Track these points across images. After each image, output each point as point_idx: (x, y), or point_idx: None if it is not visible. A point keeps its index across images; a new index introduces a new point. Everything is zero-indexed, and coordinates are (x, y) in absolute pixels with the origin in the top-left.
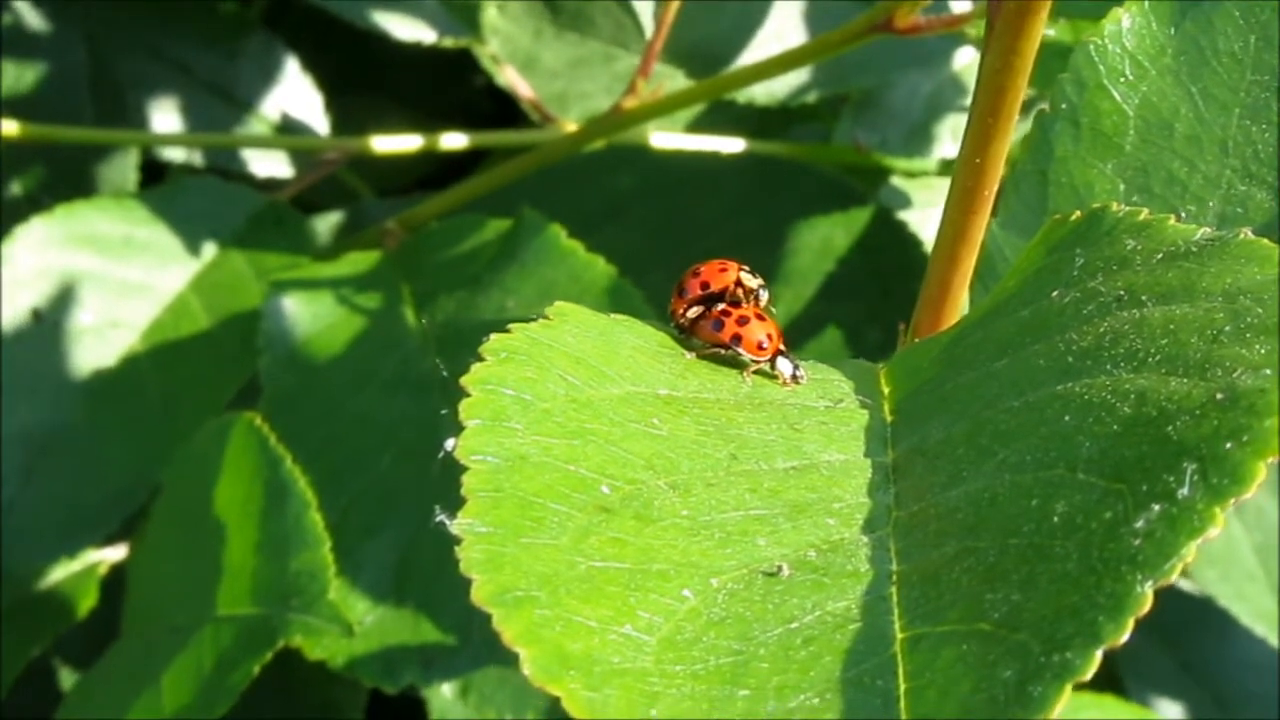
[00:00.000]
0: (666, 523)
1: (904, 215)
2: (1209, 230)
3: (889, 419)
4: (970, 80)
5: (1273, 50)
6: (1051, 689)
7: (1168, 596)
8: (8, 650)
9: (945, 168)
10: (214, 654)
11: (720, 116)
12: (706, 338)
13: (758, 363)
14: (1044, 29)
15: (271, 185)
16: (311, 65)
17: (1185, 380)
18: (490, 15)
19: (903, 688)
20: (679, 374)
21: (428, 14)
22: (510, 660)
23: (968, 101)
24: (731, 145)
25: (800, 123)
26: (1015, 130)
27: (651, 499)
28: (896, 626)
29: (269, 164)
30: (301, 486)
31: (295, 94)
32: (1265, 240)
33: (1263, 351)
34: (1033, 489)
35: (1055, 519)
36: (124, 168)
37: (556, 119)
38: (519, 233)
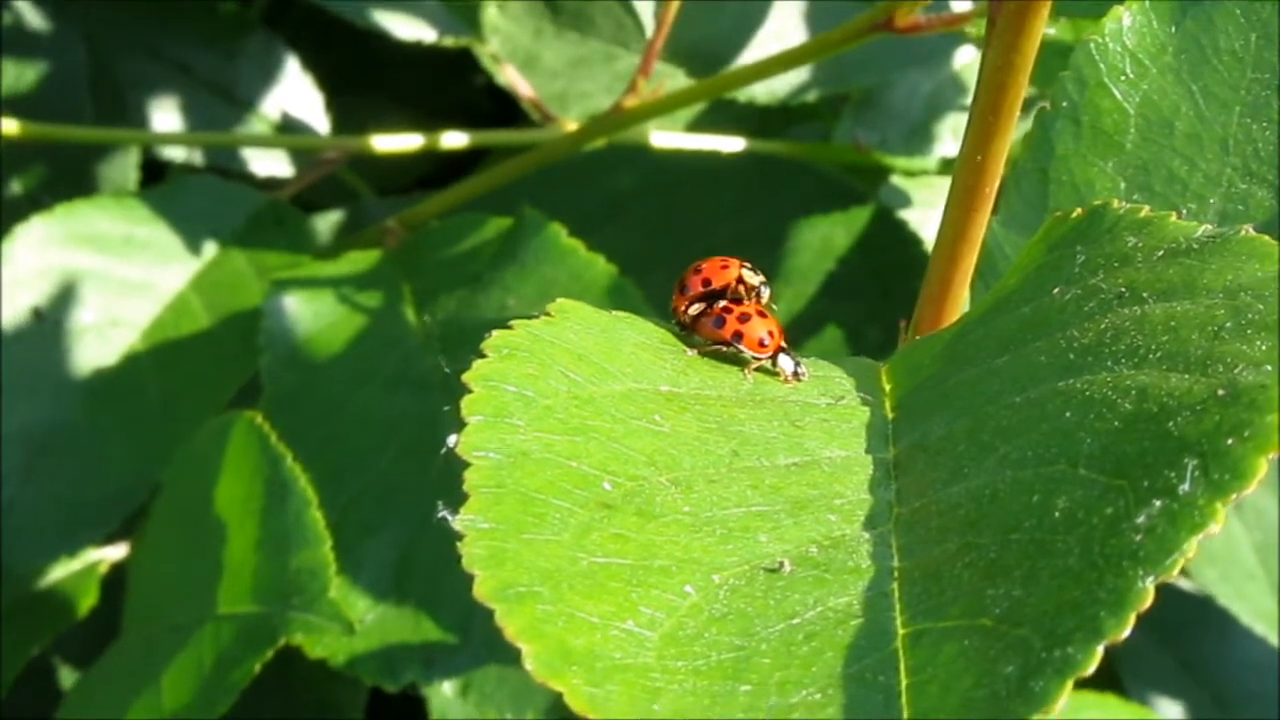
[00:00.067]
0: (668, 519)
1: (904, 214)
2: (1210, 227)
3: (890, 416)
4: (970, 79)
5: (1273, 48)
6: (1053, 684)
7: (1167, 596)
8: (8, 649)
9: (945, 167)
10: (214, 652)
11: (720, 116)
12: (708, 335)
13: (759, 360)
14: (1045, 27)
15: (272, 184)
16: (312, 64)
17: (1186, 376)
18: (490, 14)
19: (904, 683)
20: (680, 371)
21: (428, 13)
22: (511, 658)
23: (968, 100)
24: (732, 144)
25: (800, 122)
26: (1016, 128)
27: (653, 495)
28: (898, 622)
29: (269, 163)
30: (302, 485)
31: (295, 93)
32: (1266, 237)
33: (1264, 348)
34: (1034, 485)
35: (1056, 514)
36: (124, 167)
37: (557, 118)
38: (519, 232)
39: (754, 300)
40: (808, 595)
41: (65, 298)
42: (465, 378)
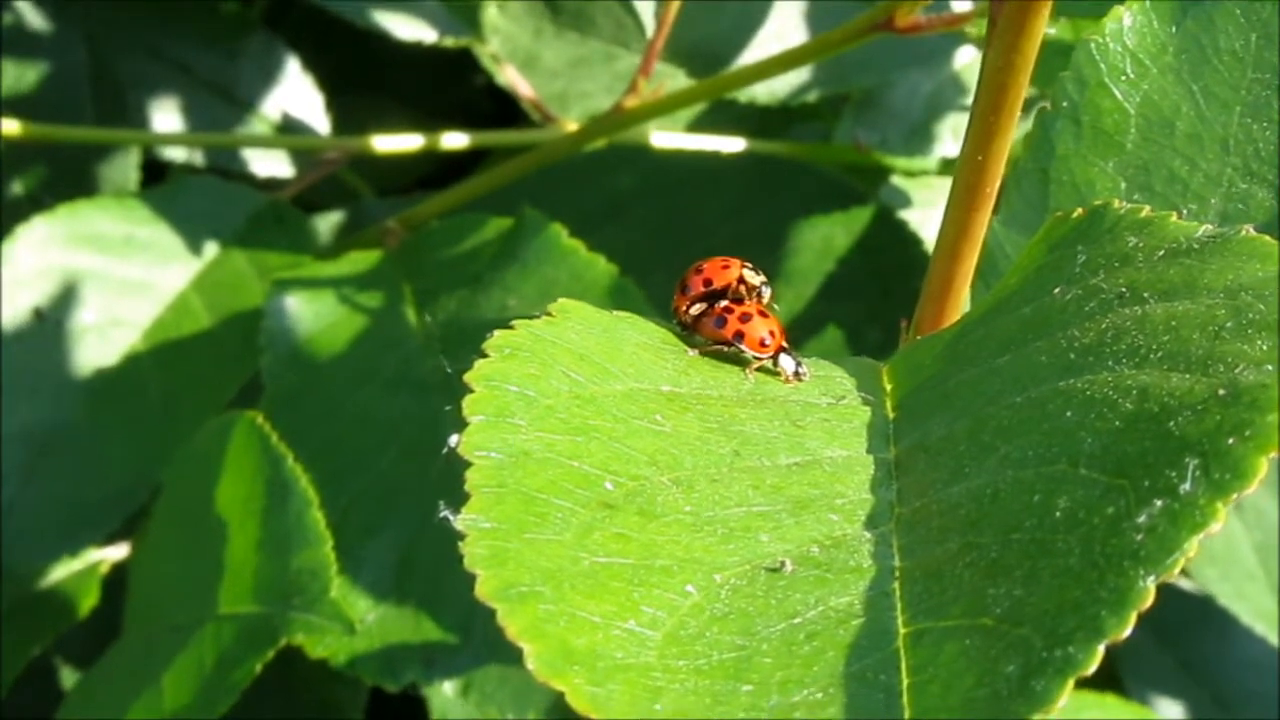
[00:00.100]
0: (670, 519)
1: (904, 214)
2: (1210, 227)
3: (891, 415)
4: (970, 79)
5: (1274, 48)
6: (1054, 684)
7: (1168, 596)
8: (9, 649)
9: (946, 167)
10: (215, 653)
11: (721, 116)
12: (709, 335)
13: (760, 359)
14: (1045, 27)
15: (272, 185)
16: (312, 65)
17: (1187, 376)
18: (491, 14)
19: (906, 683)
20: (682, 371)
21: (428, 13)
22: (513, 658)
23: (968, 101)
24: (732, 145)
25: (801, 122)
26: (1017, 128)
27: (655, 495)
28: (899, 622)
29: (270, 163)
30: (303, 485)
31: (296, 94)
32: (1266, 237)
33: (1264, 347)
34: (1035, 485)
35: (1057, 514)
36: (125, 167)
37: (557, 118)
38: (520, 232)
39: (755, 300)
40: (809, 595)
41: (66, 298)
42: (467, 378)
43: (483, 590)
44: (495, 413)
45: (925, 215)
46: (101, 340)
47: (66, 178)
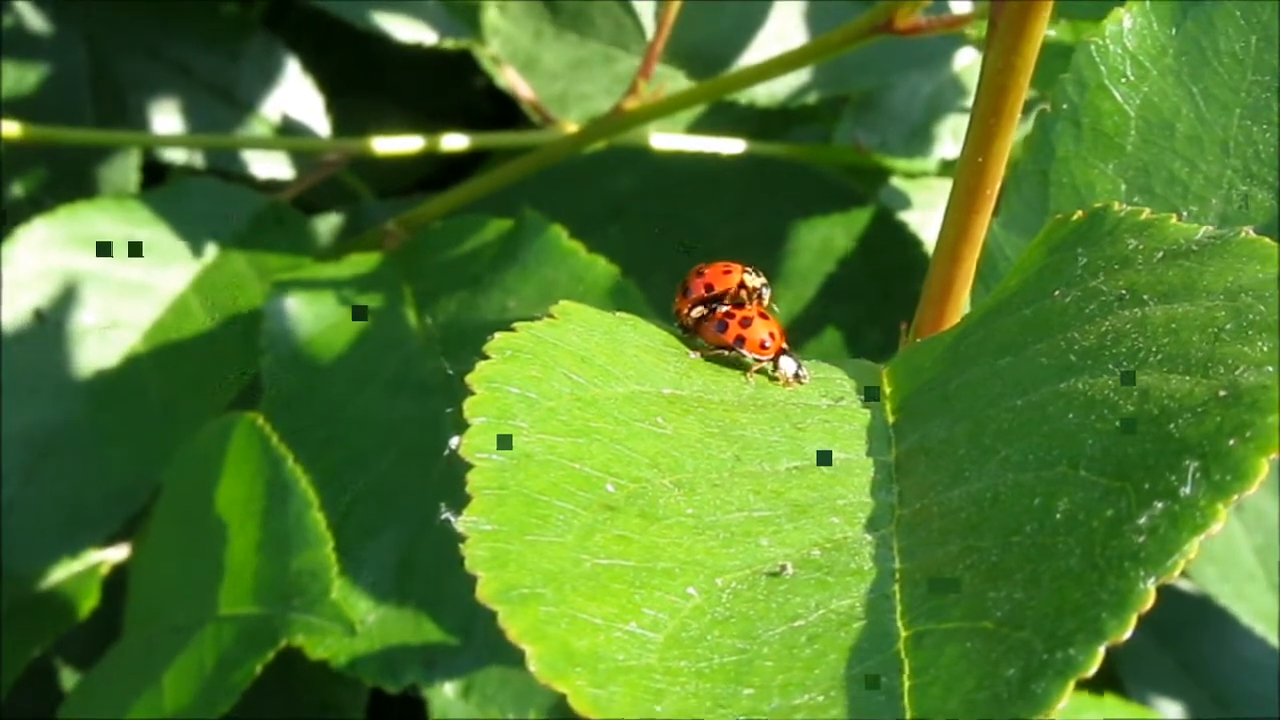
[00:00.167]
0: (671, 521)
1: (904, 216)
2: (1210, 229)
3: (891, 418)
4: (970, 81)
5: (1274, 50)
6: (1054, 686)
7: (1167, 596)
8: (9, 650)
9: (945, 168)
10: (215, 653)
11: (721, 117)
12: (710, 339)
13: (760, 362)
14: (1045, 29)
15: (272, 186)
16: (312, 66)
17: (1187, 378)
18: (491, 16)
19: (907, 685)
20: (683, 373)
21: (428, 15)
22: (513, 659)
23: (968, 102)
24: (732, 146)
25: (801, 124)
26: (1017, 130)
27: (656, 497)
28: (900, 624)
29: (270, 165)
30: (303, 486)
31: (296, 95)
32: (1266, 239)
33: (1264, 349)
34: (1035, 487)
35: (1058, 517)
36: (125, 169)
37: (557, 120)
38: (520, 233)
39: (755, 302)
40: (810, 598)
41: (66, 299)
42: (468, 379)
43: (484, 592)
44: (497, 415)
45: (925, 217)
46: (102, 342)
47: (67, 179)
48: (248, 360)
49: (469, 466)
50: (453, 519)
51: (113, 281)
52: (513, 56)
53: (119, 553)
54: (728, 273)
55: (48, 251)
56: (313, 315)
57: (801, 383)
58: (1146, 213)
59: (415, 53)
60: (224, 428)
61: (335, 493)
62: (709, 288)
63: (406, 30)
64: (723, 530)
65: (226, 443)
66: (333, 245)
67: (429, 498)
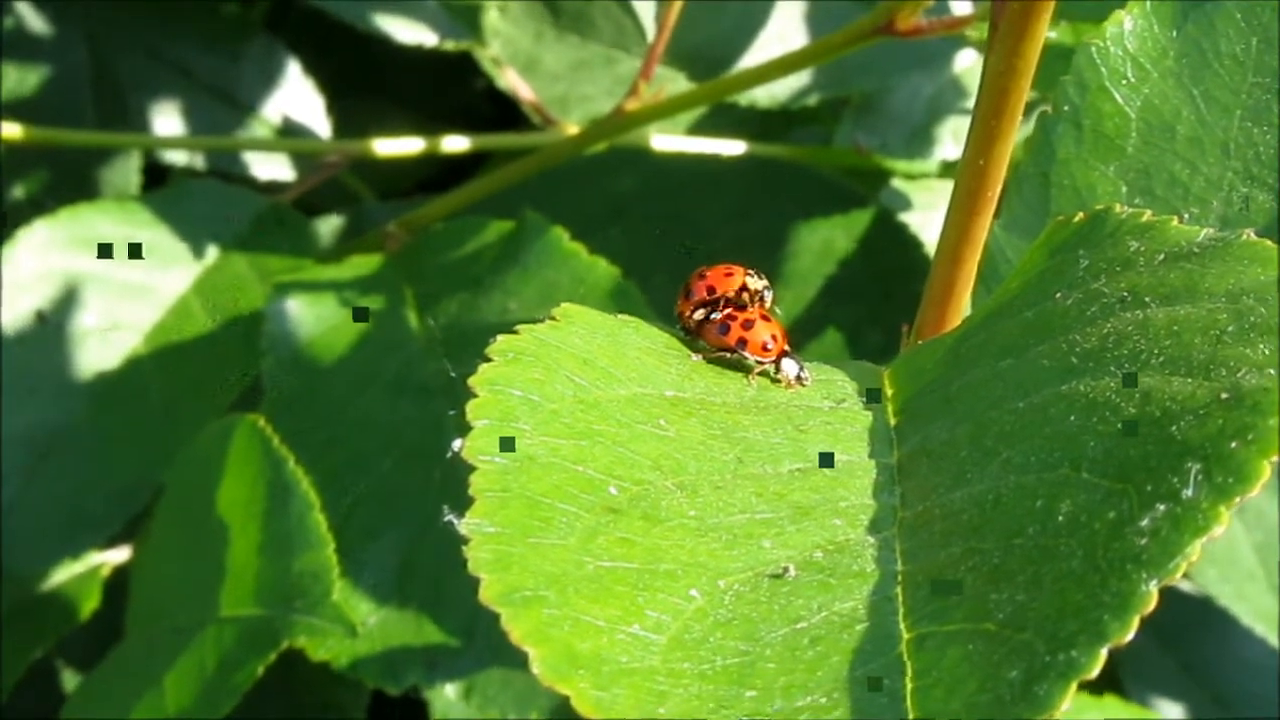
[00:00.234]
0: (674, 523)
1: (905, 217)
2: (1211, 231)
3: (893, 420)
4: (971, 83)
5: (1274, 52)
6: (1057, 688)
7: (1168, 597)
8: (10, 652)
9: (946, 170)
10: (217, 655)
11: (722, 119)
12: (713, 341)
13: (763, 364)
14: (1046, 31)
15: (273, 188)
16: (313, 68)
17: (1189, 380)
18: (491, 18)
19: (909, 687)
20: (685, 375)
21: (429, 17)
22: (515, 661)
23: (968, 104)
24: (733, 148)
25: (801, 125)
26: (1018, 132)
27: (659, 500)
28: (903, 626)
29: (270, 167)
30: (304, 487)
31: (297, 97)
32: (1267, 241)
33: (1266, 351)
34: (1037, 489)
35: (1060, 519)
36: (126, 171)
37: (558, 121)
38: (521, 235)
39: (758, 305)
40: (812, 600)
41: (67, 301)
42: (470, 382)
43: (487, 594)
44: (499, 417)
45: (926, 218)
46: (103, 343)
47: (68, 181)
48: (249, 362)
49: (471, 469)
50: (456, 521)
51: (114, 283)
52: (513, 58)
53: (120, 554)
54: (730, 275)
55: (49, 253)
56: (314, 317)
57: (803, 385)
58: (1148, 215)
59: (416, 54)
60: (225, 429)
61: (337, 494)
62: (711, 290)
63: (407, 32)
64: (725, 532)
65: (228, 444)
66: (334, 247)
67: (430, 500)
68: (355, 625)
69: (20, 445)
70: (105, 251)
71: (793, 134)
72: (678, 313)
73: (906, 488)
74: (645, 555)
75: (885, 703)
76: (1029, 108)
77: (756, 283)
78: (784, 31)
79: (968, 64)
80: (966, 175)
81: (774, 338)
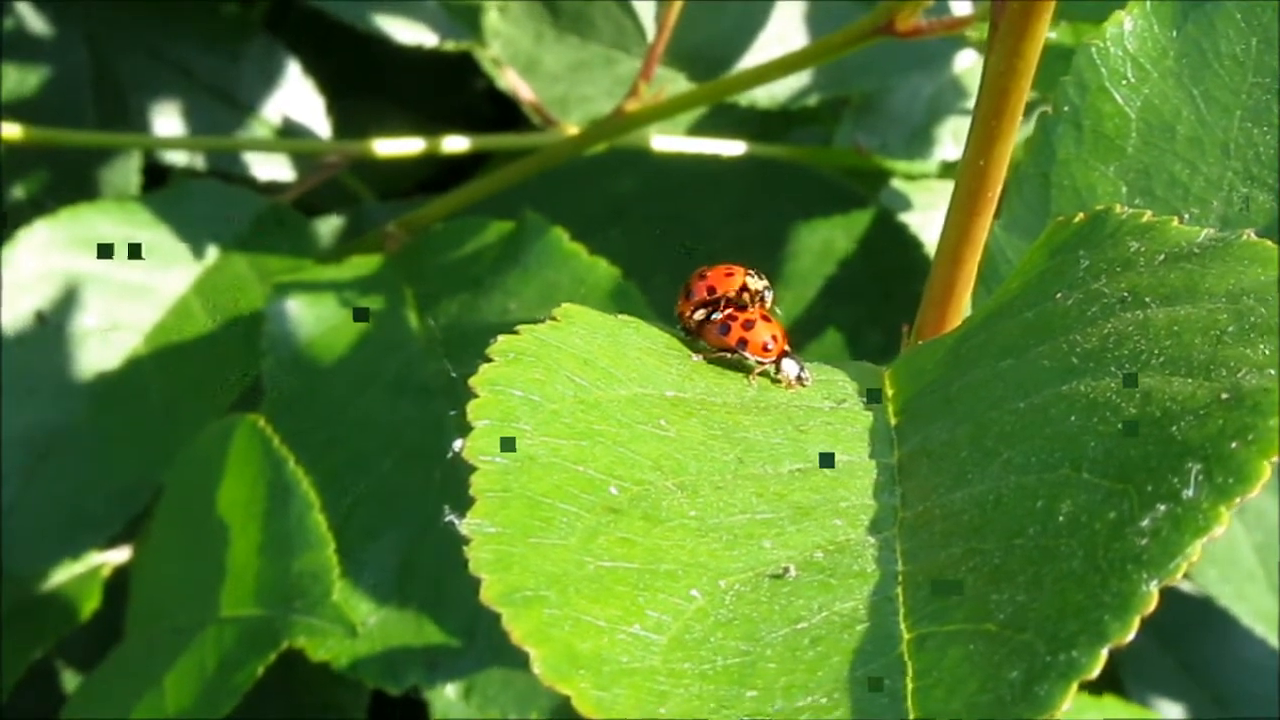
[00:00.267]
0: (674, 523)
1: (905, 218)
2: (1211, 232)
3: (894, 420)
4: (971, 83)
5: (1274, 52)
6: (1057, 688)
7: (1168, 597)
8: (10, 652)
9: (946, 170)
10: (217, 655)
11: (722, 119)
12: (713, 341)
13: (763, 365)
14: (1046, 31)
15: (273, 188)
16: (313, 68)
17: (1189, 381)
18: (491, 18)
19: (910, 687)
20: (686, 376)
21: (429, 17)
22: (515, 661)
23: (968, 104)
24: (733, 148)
25: (801, 126)
26: (1018, 132)
27: (659, 500)
28: (903, 627)
29: (270, 167)
30: (305, 488)
31: (297, 97)
32: (1267, 242)
33: (1267, 351)
34: (1038, 490)
35: (1060, 519)
36: (126, 171)
37: (558, 122)
38: (521, 235)
39: (758, 305)
40: (813, 600)
41: (68, 301)
42: (471, 382)
43: (487, 594)
44: (500, 417)
45: (926, 218)
46: (103, 344)
47: (68, 182)
48: (249, 362)
49: (472, 469)
50: (456, 521)
51: (114, 283)
52: (514, 59)
53: (120, 554)
54: (730, 275)
55: (49, 253)
56: (314, 317)
57: (804, 385)
58: (1148, 215)
59: (416, 55)
60: (225, 430)
61: (337, 495)
62: (711, 290)
63: (407, 32)
64: (726, 532)
65: (228, 445)
66: (334, 247)
67: (431, 500)
68: (355, 625)
69: (20, 445)
70: (105, 252)
71: (793, 134)
72: (678, 313)
73: (907, 488)
74: (646, 555)
75: (886, 703)
76: (1029, 108)
77: (757, 283)
78: (784, 32)
79: (968, 64)
80: (967, 175)
81: (774, 338)
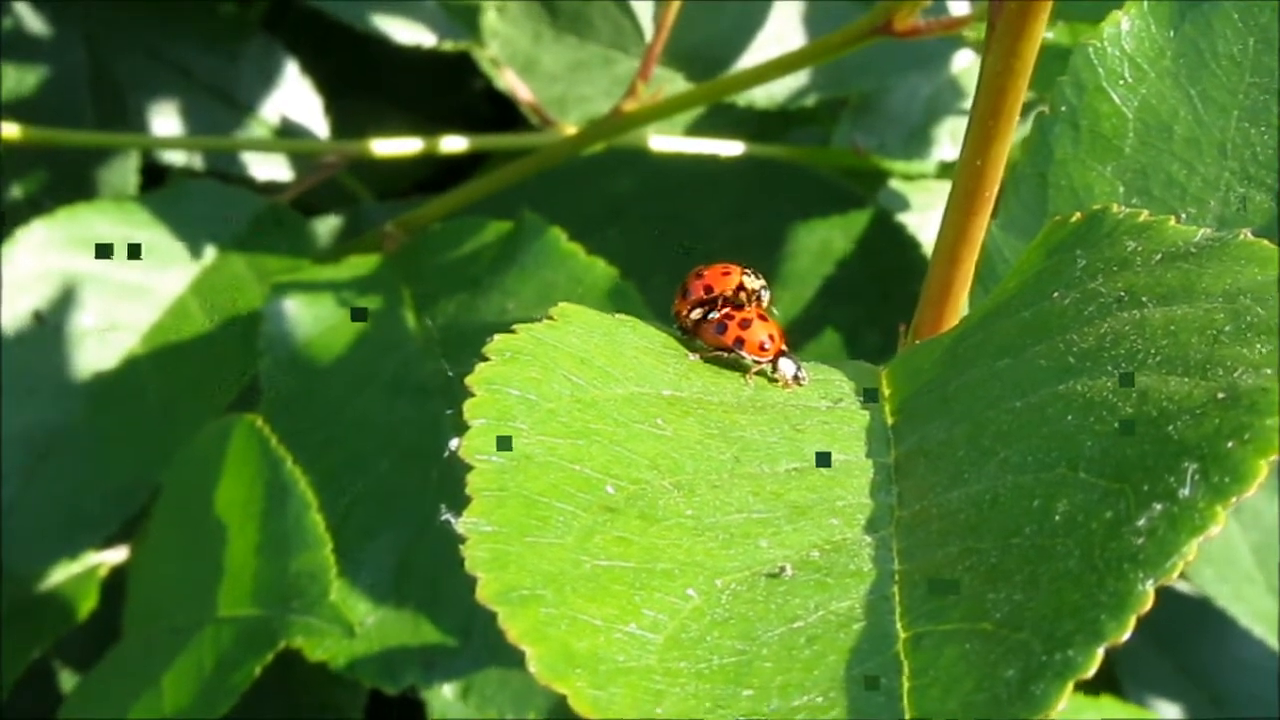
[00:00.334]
0: (671, 522)
1: (903, 218)
2: (1208, 231)
3: (891, 420)
4: (969, 83)
5: (1272, 53)
6: (1053, 687)
7: (1165, 598)
8: (8, 652)
9: (944, 170)
10: (214, 655)
11: (720, 119)
12: (710, 340)
13: (760, 364)
14: (1044, 31)
15: (271, 188)
16: (311, 68)
17: (1186, 380)
18: (490, 18)
19: (906, 686)
20: (683, 375)
21: (427, 17)
22: (512, 661)
23: (966, 104)
24: (731, 148)
25: (799, 126)
26: (1015, 132)
27: (656, 499)
28: (899, 626)
29: (269, 167)
30: (302, 488)
31: (295, 97)
32: (1265, 241)
33: (1263, 351)
34: (1034, 489)
35: (1057, 519)
36: (124, 171)
37: (556, 122)
38: (519, 235)
39: (755, 304)
40: (809, 599)
41: (66, 301)
42: (468, 381)
43: (484, 593)
44: (496, 416)
45: (924, 218)
46: (101, 343)
47: (66, 181)
48: (247, 362)
49: (469, 468)
50: (453, 520)
51: (112, 283)
52: (512, 59)
53: (118, 554)
54: (727, 274)
55: (47, 253)
56: (312, 317)
57: (800, 384)
58: (1145, 215)
59: (414, 55)
60: (223, 429)
61: (334, 494)
62: (708, 289)
63: (405, 32)
64: (722, 532)
65: (225, 444)
66: (332, 247)
67: (428, 500)
68: (353, 625)
69: (18, 445)
70: (103, 252)
71: (791, 134)
72: (675, 312)
73: (904, 487)
74: (642, 554)
75: (882, 702)
76: (1026, 108)
77: (754, 282)
78: (782, 32)
79: (965, 64)
80: (964, 175)
81: (771, 337)
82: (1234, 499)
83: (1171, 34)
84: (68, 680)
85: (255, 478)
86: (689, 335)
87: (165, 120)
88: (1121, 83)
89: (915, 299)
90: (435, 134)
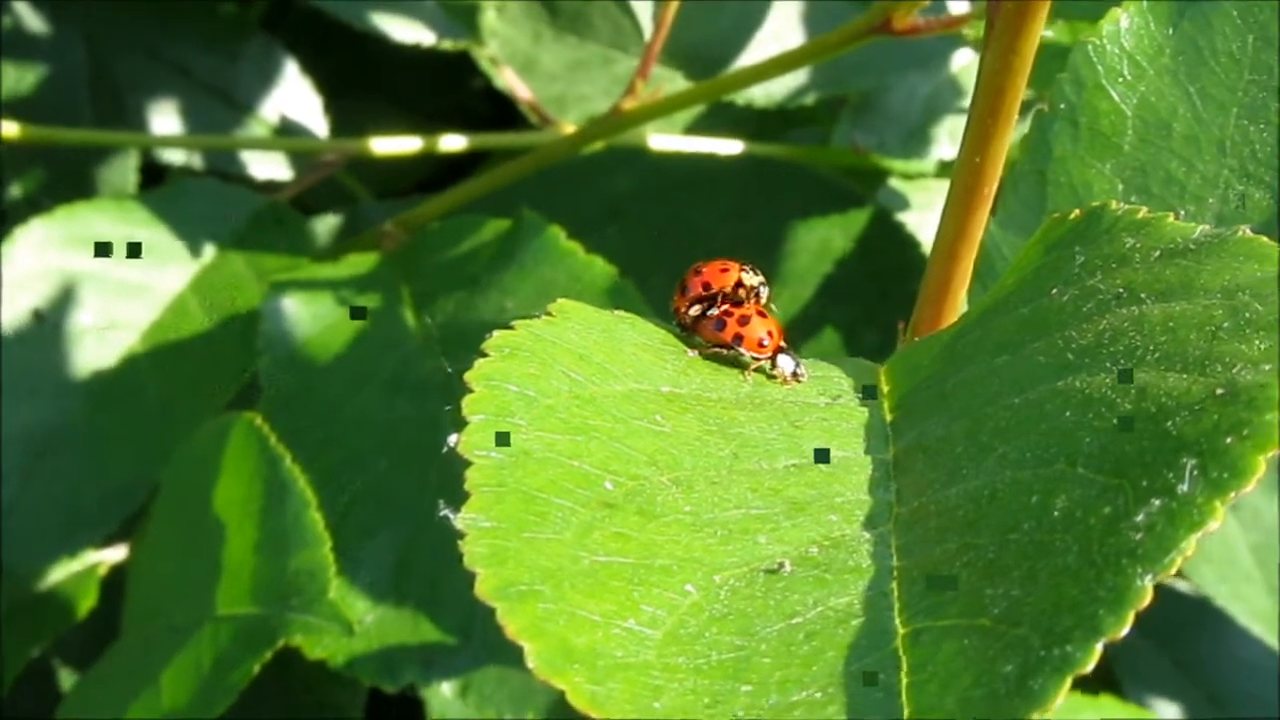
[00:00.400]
0: (669, 519)
1: (902, 217)
2: (1207, 228)
3: (889, 416)
4: (968, 82)
5: (1271, 50)
6: (1052, 682)
7: (1164, 596)
8: (8, 650)
9: (943, 169)
10: (213, 653)
11: (719, 118)
12: (709, 337)
13: (758, 360)
14: (1043, 29)
15: (270, 187)
16: (310, 67)
17: (1185, 376)
18: (489, 18)
19: (904, 682)
20: (681, 371)
21: (427, 16)
22: (512, 659)
23: (965, 103)
24: (730, 147)
25: (798, 125)
26: (1014, 130)
27: (654, 495)
28: (898, 621)
29: (268, 166)
30: (301, 486)
31: (294, 96)
32: (1263, 238)
33: (1262, 347)
34: (1033, 485)
35: (1055, 514)
36: (124, 170)
37: (555, 121)
38: (518, 234)
39: (753, 301)
40: (808, 595)
41: (65, 300)
42: (467, 377)
43: (482, 589)
44: (495, 412)
45: (923, 217)
46: (100, 342)
47: (65, 180)
48: (245, 360)
49: (467, 464)
50: (451, 516)
51: (111, 282)
52: (511, 58)
53: (117, 553)
54: (725, 271)
55: (46, 252)
56: (311, 316)
57: (799, 381)
58: (1144, 211)
59: (413, 54)
60: (222, 428)
61: (333, 493)
62: (707, 286)
63: (405, 31)
64: (721, 528)
65: (224, 443)
66: (331, 246)
67: (427, 498)
68: (352, 623)
69: (18, 444)
70: (103, 250)
71: (790, 133)
72: (673, 308)
73: (902, 483)
74: (641, 550)
75: (880, 698)
76: (1025, 106)
77: (752, 278)
78: (781, 31)
79: (964, 63)
80: (963, 173)
81: (770, 333)
82: (1233, 494)
83: (1170, 31)
84: (67, 679)
85: (254, 476)
86: (688, 332)
87: (165, 119)
88: (1120, 80)
89: (914, 298)
90: (434, 133)
